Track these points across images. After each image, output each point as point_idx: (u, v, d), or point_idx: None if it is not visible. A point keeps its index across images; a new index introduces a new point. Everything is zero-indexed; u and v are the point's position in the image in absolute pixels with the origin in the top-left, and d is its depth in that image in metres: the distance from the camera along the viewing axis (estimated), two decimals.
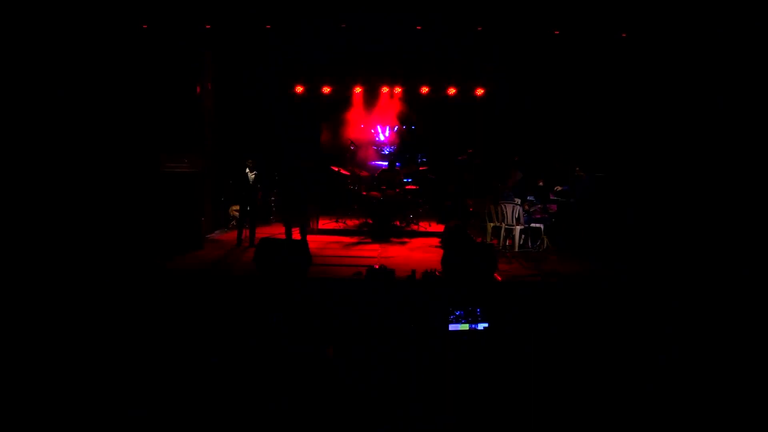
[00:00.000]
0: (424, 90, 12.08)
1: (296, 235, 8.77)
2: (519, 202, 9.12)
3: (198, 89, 9.45)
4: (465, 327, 4.99)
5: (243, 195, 8.89)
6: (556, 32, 9.08)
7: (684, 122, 9.06)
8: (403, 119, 12.98)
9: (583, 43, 9.38)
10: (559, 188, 9.13)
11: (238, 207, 9.53)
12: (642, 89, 9.58)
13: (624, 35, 9.02)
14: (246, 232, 8.99)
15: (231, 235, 9.60)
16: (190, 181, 8.61)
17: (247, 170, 8.88)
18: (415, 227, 10.75)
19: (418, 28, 9.21)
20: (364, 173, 11.60)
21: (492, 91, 12.01)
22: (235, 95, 11.05)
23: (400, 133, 13.35)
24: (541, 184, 9.48)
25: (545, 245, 8.92)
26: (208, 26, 8.94)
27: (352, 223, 11.15)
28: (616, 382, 4.41)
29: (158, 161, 8.47)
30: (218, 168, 10.25)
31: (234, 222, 10.52)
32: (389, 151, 13.08)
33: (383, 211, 10.34)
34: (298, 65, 11.61)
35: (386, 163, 11.63)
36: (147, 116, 8.64)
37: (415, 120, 13.08)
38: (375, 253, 8.61)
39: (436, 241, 9.63)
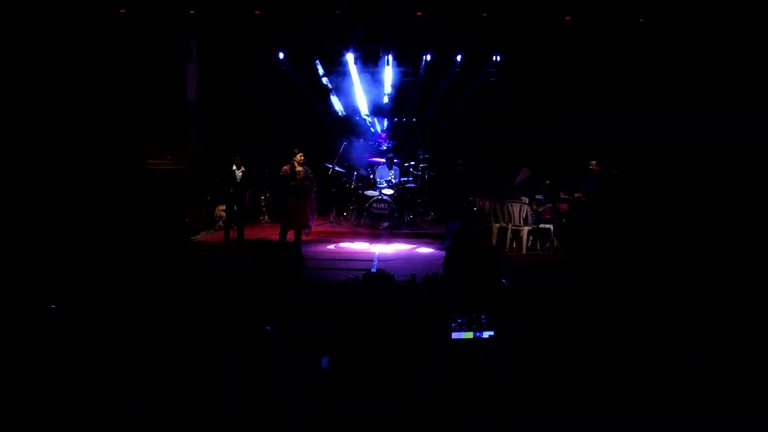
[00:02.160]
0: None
1: (290, 237, 8.75)
2: (527, 202, 9.10)
3: (182, 80, 9.40)
4: (469, 335, 4.96)
5: (230, 194, 8.85)
6: (567, 18, 9.02)
7: (708, 115, 8.93)
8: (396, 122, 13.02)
9: (596, 29, 9.29)
10: (579, 195, 9.09)
11: (224, 207, 9.50)
12: (663, 78, 9.43)
13: (642, 20, 8.90)
14: (234, 234, 8.96)
15: (218, 237, 9.56)
16: (173, 179, 8.58)
17: (234, 167, 8.84)
18: (415, 228, 10.74)
19: (419, 14, 9.20)
20: (359, 170, 11.58)
21: (498, 82, 12.00)
22: (222, 86, 11.01)
23: (399, 127, 13.34)
24: (547, 182, 9.46)
25: (555, 247, 8.90)
26: (192, 11, 8.89)
27: (347, 223, 11.13)
28: (630, 394, 4.39)
29: (138, 157, 8.44)
30: (204, 165, 10.21)
31: (221, 223, 10.47)
32: (387, 147, 13.06)
33: (381, 211, 10.32)
34: (290, 53, 11.59)
35: (383, 160, 11.63)
36: (126, 108, 8.58)
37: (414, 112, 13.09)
38: (372, 255, 8.59)
39: (437, 243, 9.61)
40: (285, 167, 8.49)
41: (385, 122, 13.21)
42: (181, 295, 6.08)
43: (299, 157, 8.47)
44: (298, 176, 8.42)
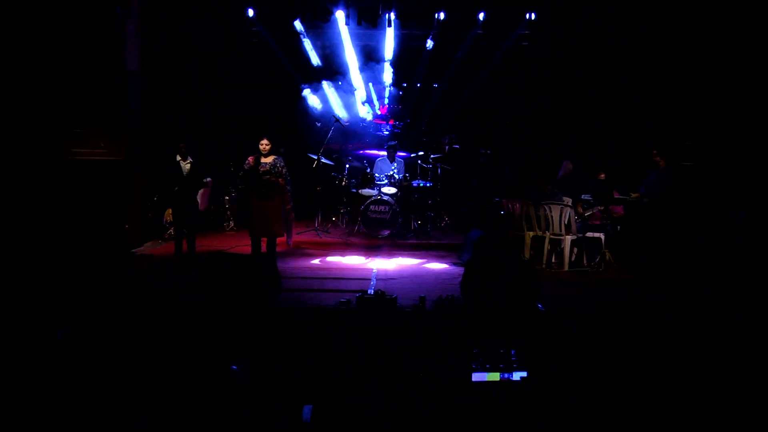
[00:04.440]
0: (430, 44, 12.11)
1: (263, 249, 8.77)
2: (570, 203, 9.10)
3: (119, 42, 9.39)
4: (495, 377, 4.96)
5: (174, 192, 8.82)
6: None
7: None
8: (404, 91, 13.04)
9: None
10: (637, 195, 9.06)
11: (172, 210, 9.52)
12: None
13: None
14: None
15: (168, 249, 9.56)
16: (108, 174, 8.57)
17: (179, 158, 8.80)
18: (424, 237, 10.75)
19: None
20: (353, 162, 11.60)
21: (530, 45, 12.02)
22: (175, 51, 11.01)
23: (405, 106, 13.37)
24: (602, 177, 9.45)
25: (607, 262, 8.90)
26: None
27: (336, 231, 11.13)
28: None
29: (60, 145, 8.41)
30: (151, 155, 10.22)
31: (172, 231, 10.47)
32: (389, 131, 13.07)
33: (380, 216, 10.32)
34: (262, 11, 11.64)
35: (385, 149, 11.64)
36: (43, 80, 8.52)
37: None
38: (369, 272, 8.59)
39: (453, 256, 9.63)
40: (249, 158, 8.50)
41: (386, 97, 13.23)
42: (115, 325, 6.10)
43: (264, 145, 8.46)
44: (261, 169, 8.43)
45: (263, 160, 8.49)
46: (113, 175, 8.65)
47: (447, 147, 12.07)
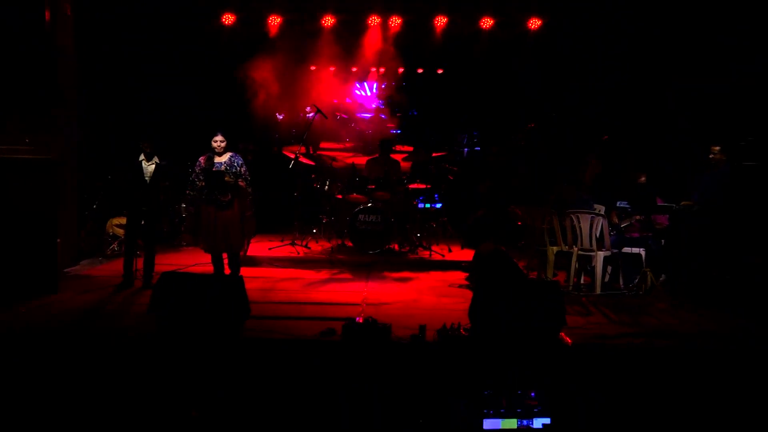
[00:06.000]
0: (440, 22, 12.12)
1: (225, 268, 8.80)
2: (603, 212, 9.11)
3: (47, 16, 9.38)
4: (511, 424, 4.96)
5: (135, 199, 8.80)
6: None
7: None
8: (403, 74, 13.04)
9: None
10: (688, 203, 9.03)
11: (123, 220, 9.46)
12: None
13: None
14: (139, 263, 8.91)
15: (112, 268, 9.53)
16: (35, 176, 8.51)
17: (143, 158, 8.80)
18: (424, 253, 10.77)
19: None
20: (338, 163, 11.61)
21: (553, 24, 12.09)
22: (117, 27, 11.00)
23: (400, 97, 13.41)
24: (643, 180, 9.45)
25: (648, 284, 8.91)
26: None
27: (318, 246, 11.13)
28: None
29: None
30: (88, 154, 10.19)
31: (116, 245, 10.41)
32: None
33: (371, 227, 10.31)
34: None
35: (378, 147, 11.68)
36: None
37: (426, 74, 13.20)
38: (358, 296, 8.59)
39: (460, 276, 9.64)
40: (201, 158, 8.51)
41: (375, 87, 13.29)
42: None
43: (218, 142, 8.46)
44: (215, 170, 8.42)
45: (217, 159, 8.49)
46: (41, 177, 8.57)
47: (466, 150, 12.01)
